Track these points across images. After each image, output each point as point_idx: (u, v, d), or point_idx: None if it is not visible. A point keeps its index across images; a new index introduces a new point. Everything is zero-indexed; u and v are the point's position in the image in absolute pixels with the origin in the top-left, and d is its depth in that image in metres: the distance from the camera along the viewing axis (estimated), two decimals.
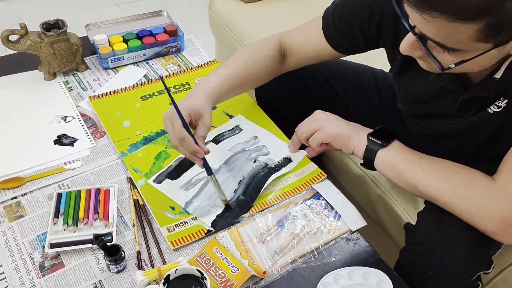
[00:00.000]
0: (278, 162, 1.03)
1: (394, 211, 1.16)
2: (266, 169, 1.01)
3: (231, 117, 1.14)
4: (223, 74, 1.01)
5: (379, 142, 0.93)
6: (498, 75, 0.79)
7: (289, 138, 1.08)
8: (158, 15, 1.45)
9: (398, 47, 0.77)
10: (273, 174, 0.99)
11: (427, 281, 0.86)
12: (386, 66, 1.09)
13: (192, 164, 1.01)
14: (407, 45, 0.75)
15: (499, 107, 0.82)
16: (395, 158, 0.91)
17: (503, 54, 0.72)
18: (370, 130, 0.96)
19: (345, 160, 1.26)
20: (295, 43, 1.06)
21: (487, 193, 0.81)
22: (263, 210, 0.94)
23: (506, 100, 0.81)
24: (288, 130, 1.10)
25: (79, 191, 0.95)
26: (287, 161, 1.04)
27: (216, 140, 1.08)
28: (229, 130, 1.11)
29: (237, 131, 1.10)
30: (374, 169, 0.95)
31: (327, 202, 0.96)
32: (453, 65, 0.72)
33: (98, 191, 0.96)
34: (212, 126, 1.02)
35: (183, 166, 1.02)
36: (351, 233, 0.92)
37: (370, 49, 1.00)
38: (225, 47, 1.74)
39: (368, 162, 0.95)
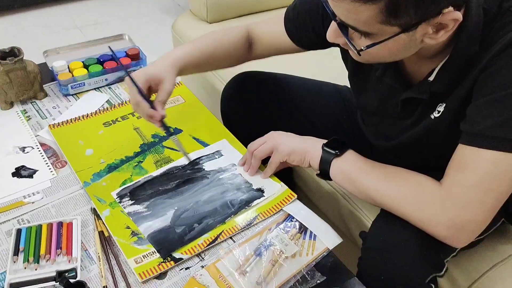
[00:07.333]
0: (244, 199, 0.98)
1: (366, 227, 1.15)
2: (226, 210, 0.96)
3: (197, 140, 1.11)
4: (189, 47, 1.03)
5: (333, 152, 0.92)
6: (431, 77, 0.82)
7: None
8: (119, 38, 1.42)
9: None
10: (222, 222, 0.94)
11: (382, 286, 0.86)
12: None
13: (168, 192, 0.99)
14: (330, 31, 0.78)
15: (438, 111, 0.83)
16: (349, 168, 0.91)
17: (417, 43, 0.74)
18: (325, 141, 0.95)
19: (316, 177, 1.24)
20: (261, 34, 1.09)
21: (436, 198, 0.80)
22: (234, 234, 0.92)
23: (444, 105, 0.83)
24: None
25: (40, 226, 0.90)
26: (254, 196, 0.99)
27: (194, 162, 1.05)
28: (210, 154, 1.08)
29: (216, 156, 1.07)
30: (330, 179, 0.94)
31: (301, 223, 0.94)
32: (365, 47, 0.74)
33: (60, 224, 0.91)
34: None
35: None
36: (329, 252, 0.90)
37: (327, 46, 1.01)
38: None
39: (325, 172, 0.94)
